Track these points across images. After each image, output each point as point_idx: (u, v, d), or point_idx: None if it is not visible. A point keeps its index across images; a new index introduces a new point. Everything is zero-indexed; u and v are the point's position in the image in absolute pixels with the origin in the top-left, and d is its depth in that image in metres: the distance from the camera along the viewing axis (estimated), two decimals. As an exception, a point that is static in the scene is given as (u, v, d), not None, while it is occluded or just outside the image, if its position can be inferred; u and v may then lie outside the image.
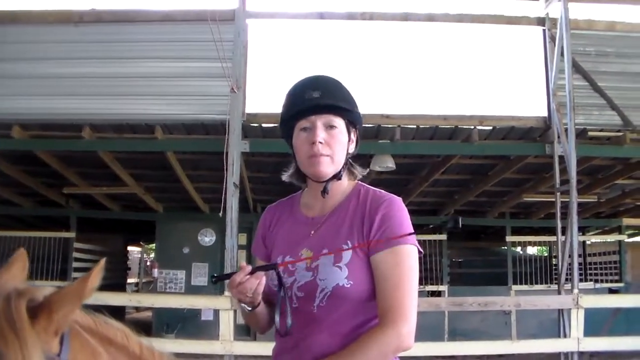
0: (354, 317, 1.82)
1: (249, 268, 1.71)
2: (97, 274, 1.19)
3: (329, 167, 1.87)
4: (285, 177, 2.05)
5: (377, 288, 1.79)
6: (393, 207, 1.85)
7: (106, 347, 1.34)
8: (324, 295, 1.81)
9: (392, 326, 1.70)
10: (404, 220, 1.85)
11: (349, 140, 1.92)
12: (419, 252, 1.86)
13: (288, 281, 1.88)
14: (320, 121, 1.85)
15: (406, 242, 1.81)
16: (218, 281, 1.81)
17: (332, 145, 1.86)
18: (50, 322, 1.16)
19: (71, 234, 12.77)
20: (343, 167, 1.92)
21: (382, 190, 1.95)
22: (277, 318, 1.81)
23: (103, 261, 1.23)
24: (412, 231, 1.84)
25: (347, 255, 1.82)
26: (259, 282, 1.72)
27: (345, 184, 1.98)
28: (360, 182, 2.02)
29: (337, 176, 1.91)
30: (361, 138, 2.03)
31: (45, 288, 1.26)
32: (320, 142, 1.84)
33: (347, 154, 1.93)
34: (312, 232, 1.93)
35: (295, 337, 1.84)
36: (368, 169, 2.11)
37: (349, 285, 1.78)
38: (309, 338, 1.82)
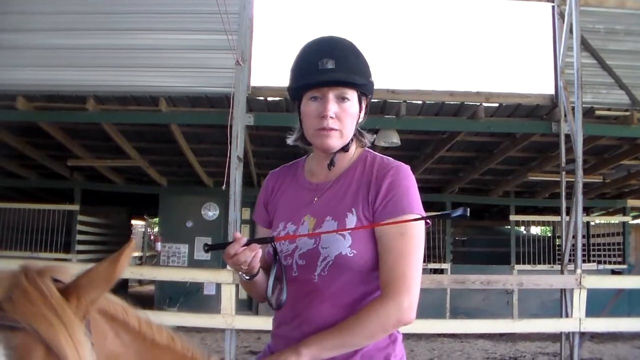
0: (357, 288, 1.78)
1: (244, 240, 1.66)
2: (128, 254, 1.16)
3: (337, 141, 1.82)
4: (290, 140, 1.99)
5: (379, 258, 1.74)
6: (400, 174, 1.80)
7: (110, 324, 1.31)
8: (326, 264, 1.77)
9: (393, 298, 1.67)
10: (411, 189, 1.80)
11: (360, 111, 1.86)
12: (426, 223, 1.80)
13: (289, 248, 1.84)
14: (332, 93, 1.78)
15: (412, 212, 1.76)
16: (211, 250, 1.76)
17: (342, 119, 1.80)
18: (80, 307, 1.13)
19: (75, 207, 12.78)
20: (352, 138, 1.87)
21: (390, 158, 1.89)
22: (269, 292, 1.76)
23: (134, 243, 1.19)
24: (419, 200, 1.80)
25: (351, 222, 1.78)
26: (254, 255, 1.67)
27: (353, 151, 1.92)
28: (367, 149, 1.96)
29: (344, 149, 1.87)
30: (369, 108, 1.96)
31: (71, 267, 1.22)
32: (332, 117, 1.78)
33: (357, 123, 1.87)
34: (316, 198, 1.89)
35: (295, 308, 1.81)
36: (375, 136, 2.05)
37: (352, 254, 1.74)
38: (310, 309, 1.78)
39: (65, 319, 1.07)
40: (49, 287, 1.09)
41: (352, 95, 1.80)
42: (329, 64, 1.76)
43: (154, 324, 1.44)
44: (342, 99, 1.79)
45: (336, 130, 1.80)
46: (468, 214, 1.59)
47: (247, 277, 1.79)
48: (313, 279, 1.78)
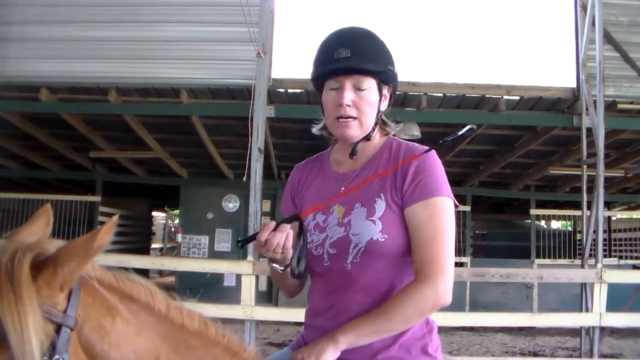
0: (390, 275, 1.79)
1: (272, 224, 1.67)
2: (108, 230, 1.17)
3: (356, 130, 1.83)
4: (315, 129, 2.01)
5: (411, 242, 1.76)
6: (427, 159, 1.81)
7: (126, 304, 1.32)
8: (357, 250, 1.77)
9: (428, 282, 1.68)
10: (439, 172, 1.81)
11: (380, 99, 1.86)
12: (455, 205, 1.83)
13: (320, 238, 1.85)
14: (349, 82, 1.80)
15: (441, 194, 1.78)
16: (244, 244, 1.77)
17: (360, 107, 1.81)
18: (54, 277, 1.14)
19: (97, 198, 12.91)
20: (373, 127, 1.87)
21: (415, 143, 1.91)
22: (294, 262, 1.78)
23: (115, 217, 1.20)
24: (447, 183, 1.81)
25: (380, 208, 1.78)
26: (287, 236, 1.67)
27: (377, 139, 1.93)
28: (392, 136, 1.97)
29: (366, 138, 1.88)
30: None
31: (59, 242, 1.23)
32: (348, 105, 1.79)
33: (379, 112, 1.87)
34: (343, 187, 1.89)
35: (330, 298, 1.83)
36: (401, 125, 2.05)
37: (383, 239, 1.75)
38: (345, 299, 1.80)
39: (18, 287, 1.09)
40: (20, 259, 1.12)
41: (369, 83, 1.81)
42: (345, 53, 1.78)
43: (185, 309, 1.46)
44: (359, 88, 1.80)
45: (354, 118, 1.81)
46: (475, 127, 1.63)
47: (282, 268, 1.78)
48: (345, 267, 1.79)
